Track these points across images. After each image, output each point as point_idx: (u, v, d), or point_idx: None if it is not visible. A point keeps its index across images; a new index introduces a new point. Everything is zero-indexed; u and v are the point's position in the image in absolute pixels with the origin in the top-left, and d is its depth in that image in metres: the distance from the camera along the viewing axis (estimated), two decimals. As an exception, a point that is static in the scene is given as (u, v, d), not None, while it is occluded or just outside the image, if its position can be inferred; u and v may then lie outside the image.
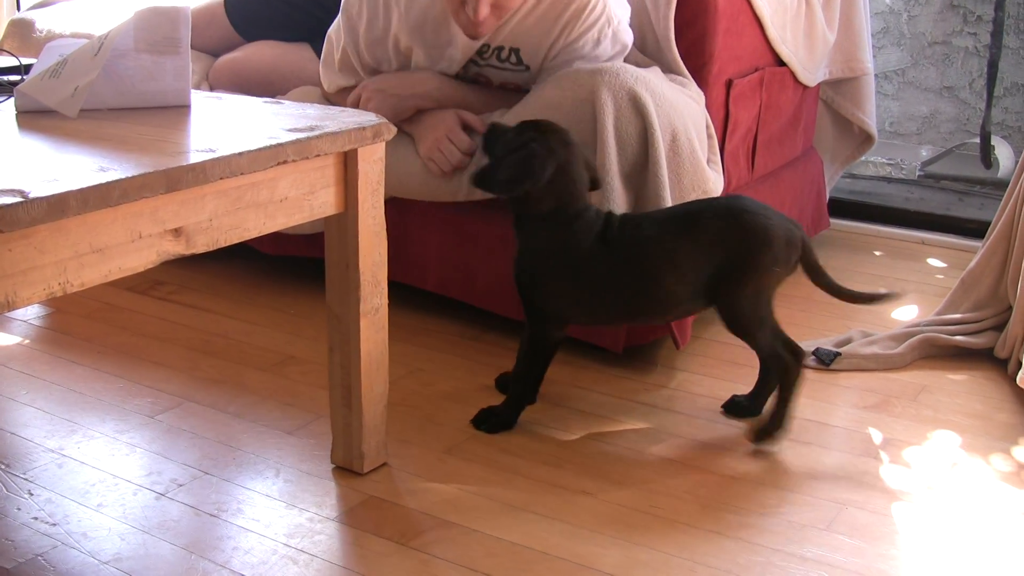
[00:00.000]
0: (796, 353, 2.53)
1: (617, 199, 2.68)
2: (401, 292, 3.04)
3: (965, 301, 3.10)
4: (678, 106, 2.78)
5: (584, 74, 2.74)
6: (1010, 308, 2.94)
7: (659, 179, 2.69)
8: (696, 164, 2.80)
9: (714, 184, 2.87)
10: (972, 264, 3.12)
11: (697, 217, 2.46)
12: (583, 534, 2.15)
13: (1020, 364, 2.62)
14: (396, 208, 2.97)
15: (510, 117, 2.79)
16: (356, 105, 2.93)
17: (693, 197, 2.79)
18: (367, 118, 2.17)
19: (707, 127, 2.92)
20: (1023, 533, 2.22)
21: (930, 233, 4.09)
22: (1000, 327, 2.98)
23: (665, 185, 2.70)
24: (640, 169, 2.71)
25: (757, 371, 2.65)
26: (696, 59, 2.95)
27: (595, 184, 2.58)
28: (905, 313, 3.30)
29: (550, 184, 2.44)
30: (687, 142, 2.78)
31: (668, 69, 2.94)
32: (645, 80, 2.73)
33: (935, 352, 3.01)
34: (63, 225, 1.66)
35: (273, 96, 3.16)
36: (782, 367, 2.50)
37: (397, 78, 2.94)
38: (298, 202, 2.08)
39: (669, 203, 2.70)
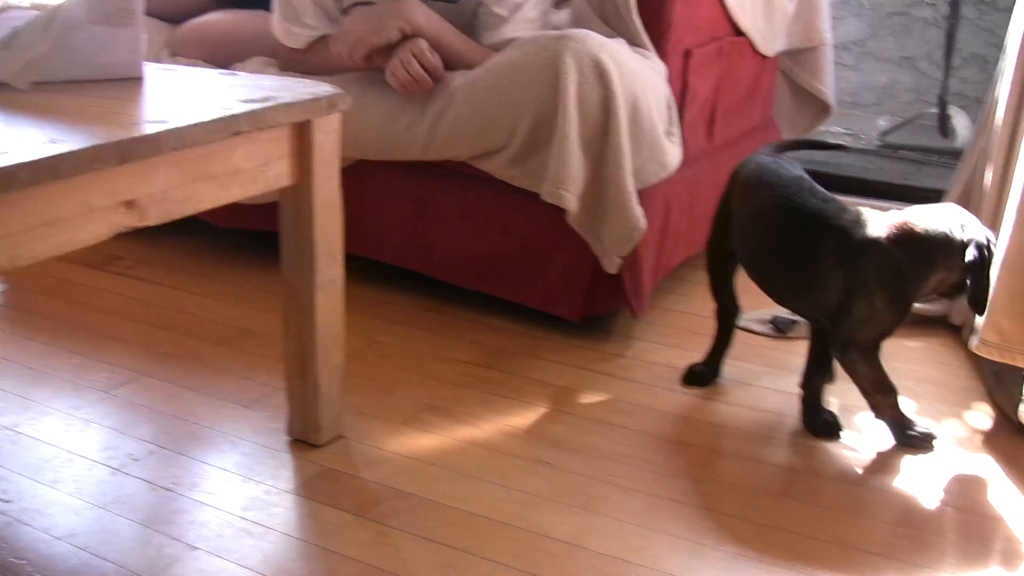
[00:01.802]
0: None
1: (574, 165, 2.68)
2: (358, 264, 3.02)
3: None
4: (640, 77, 2.78)
5: (549, 39, 2.73)
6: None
7: (619, 148, 2.69)
8: (655, 136, 2.80)
9: (671, 157, 2.87)
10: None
11: None
12: (540, 503, 2.16)
13: (973, 330, 2.63)
14: (353, 179, 2.93)
15: (471, 79, 2.80)
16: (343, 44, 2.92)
17: (650, 169, 2.80)
18: (322, 89, 2.16)
19: (668, 100, 2.92)
20: (976, 496, 2.24)
21: (889, 202, 4.08)
22: (954, 294, 2.99)
23: (626, 154, 2.70)
24: (600, 137, 2.71)
25: (711, 339, 2.67)
26: (654, 28, 2.93)
27: None
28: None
29: None
30: (647, 113, 2.78)
31: (631, 40, 2.93)
32: (610, 49, 2.73)
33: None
34: (13, 199, 1.65)
35: (232, 63, 3.15)
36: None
37: (383, 4, 2.91)
38: (252, 174, 2.07)
39: (629, 172, 2.71)
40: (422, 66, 2.82)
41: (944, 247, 2.28)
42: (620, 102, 2.69)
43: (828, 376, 2.55)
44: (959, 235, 2.28)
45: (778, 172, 2.48)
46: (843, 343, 2.34)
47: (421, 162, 2.93)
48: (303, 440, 2.37)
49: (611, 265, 2.78)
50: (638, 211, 2.74)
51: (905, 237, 2.29)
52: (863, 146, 4.59)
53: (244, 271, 3.32)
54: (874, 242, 2.29)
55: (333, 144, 2.19)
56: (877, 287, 2.27)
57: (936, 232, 2.28)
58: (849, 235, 2.32)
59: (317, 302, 2.25)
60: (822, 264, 2.33)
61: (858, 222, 2.34)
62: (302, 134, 2.14)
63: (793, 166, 2.52)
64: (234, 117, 1.95)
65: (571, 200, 2.70)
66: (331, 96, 2.13)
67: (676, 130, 2.94)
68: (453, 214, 2.96)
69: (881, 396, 2.40)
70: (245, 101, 2.03)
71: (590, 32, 2.76)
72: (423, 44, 2.83)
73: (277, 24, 3.07)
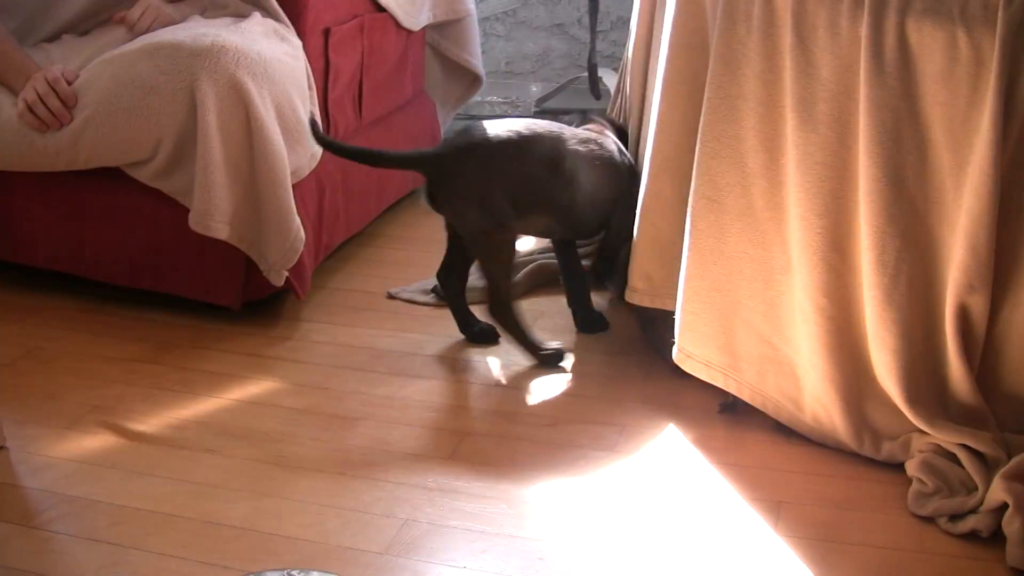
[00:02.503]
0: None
1: (220, 193, 2.67)
2: (10, 272, 2.94)
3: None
4: (278, 75, 2.77)
5: (183, 56, 2.67)
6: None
7: (271, 164, 2.70)
8: (302, 130, 2.81)
9: (315, 147, 2.87)
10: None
11: None
12: (209, 491, 2.14)
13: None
14: (-2, 185, 2.87)
15: (108, 96, 2.73)
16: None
17: (305, 164, 2.83)
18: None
19: (308, 81, 2.91)
20: (632, 436, 2.33)
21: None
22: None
23: (279, 168, 2.72)
24: (247, 157, 2.70)
25: (378, 315, 2.71)
26: (290, 9, 2.93)
27: None
28: (522, 244, 3.38)
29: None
30: (292, 111, 2.78)
31: (267, 14, 2.91)
32: (248, 60, 2.69)
33: (548, 279, 3.10)
34: None
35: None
36: None
37: None
38: None
39: (286, 186, 2.73)
40: (57, 94, 2.76)
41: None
42: (264, 117, 2.68)
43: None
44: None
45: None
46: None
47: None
48: (-38, 456, 2.29)
49: (278, 278, 2.78)
50: (297, 223, 2.75)
51: None
52: (520, 113, 4.68)
53: None
54: None
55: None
56: None
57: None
58: None
59: (-40, 312, 2.17)
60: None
61: None
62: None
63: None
64: None
65: (221, 229, 2.70)
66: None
67: (316, 110, 2.94)
68: (103, 211, 2.89)
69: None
70: None
71: (225, 42, 2.70)
72: (55, 71, 2.77)
73: None
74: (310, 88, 2.90)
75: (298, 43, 2.90)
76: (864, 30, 2.07)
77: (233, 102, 2.66)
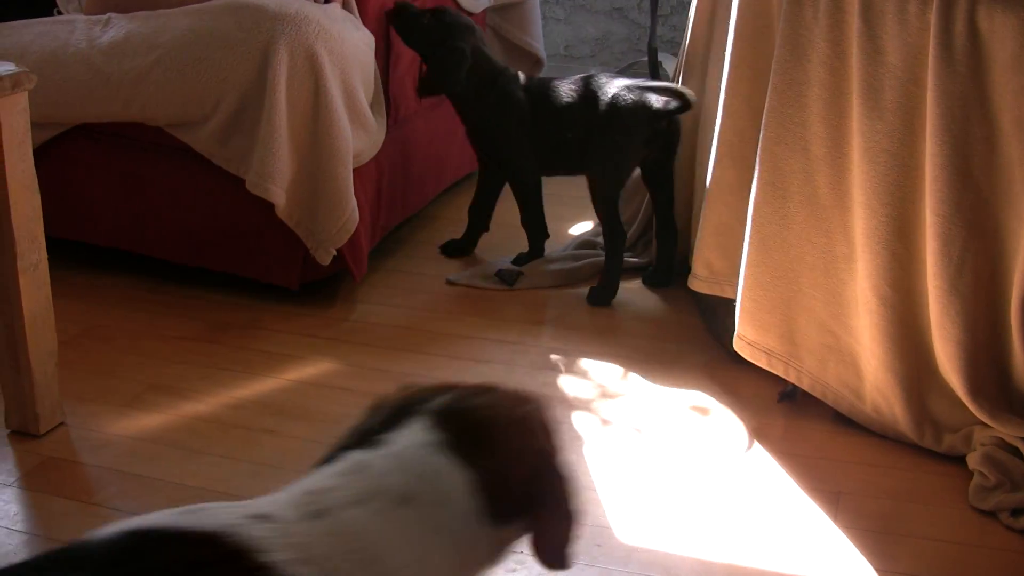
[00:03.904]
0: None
1: (281, 157, 2.67)
2: (70, 249, 2.96)
3: (627, 209, 3.19)
4: (351, 58, 2.78)
5: (266, 17, 2.69)
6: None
7: (335, 140, 2.71)
8: (367, 116, 2.82)
9: (379, 131, 2.88)
10: (634, 173, 3.21)
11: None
12: (266, 471, 2.15)
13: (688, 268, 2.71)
14: (57, 160, 2.88)
15: (182, 43, 2.75)
16: None
17: (367, 151, 2.84)
18: (5, 68, 2.08)
19: (374, 72, 2.91)
20: (693, 425, 2.32)
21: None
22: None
23: (342, 147, 2.72)
24: (310, 130, 2.71)
25: (436, 297, 2.69)
26: (353, -11, 2.94)
27: None
28: (582, 228, 3.37)
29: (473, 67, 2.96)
30: (359, 96, 2.79)
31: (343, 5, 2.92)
32: (327, 35, 2.71)
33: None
34: None
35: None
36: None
37: None
38: (-61, 160, 2.00)
39: (347, 163, 2.73)
40: None
41: None
42: (333, 93, 2.68)
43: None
44: None
45: None
46: None
47: (127, 137, 2.87)
48: (22, 431, 2.30)
49: (325, 257, 2.77)
50: (353, 203, 2.75)
51: None
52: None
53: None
54: None
55: (23, 124, 2.11)
56: None
57: None
58: None
59: (22, 288, 2.18)
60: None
61: None
62: (-12, 116, 2.07)
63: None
64: (-88, 102, 1.88)
65: (279, 194, 2.70)
66: (14, 75, 2.06)
67: (382, 103, 2.94)
68: (163, 189, 2.90)
69: None
70: (-76, 85, 1.96)
71: (310, 12, 2.72)
72: None
73: None
74: (376, 79, 2.90)
75: (370, 35, 2.90)
76: (933, 16, 2.04)
77: (306, 72, 2.66)
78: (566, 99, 2.93)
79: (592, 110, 2.88)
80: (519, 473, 1.23)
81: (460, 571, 1.22)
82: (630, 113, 2.84)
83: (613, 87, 2.88)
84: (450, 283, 2.99)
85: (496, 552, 1.26)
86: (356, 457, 1.21)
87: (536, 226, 3.12)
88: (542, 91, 2.98)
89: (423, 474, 1.19)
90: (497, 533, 1.23)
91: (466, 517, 1.19)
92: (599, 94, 2.88)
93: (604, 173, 2.89)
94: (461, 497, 1.19)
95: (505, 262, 3.06)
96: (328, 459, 1.25)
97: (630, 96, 2.85)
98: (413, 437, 1.21)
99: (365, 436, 1.25)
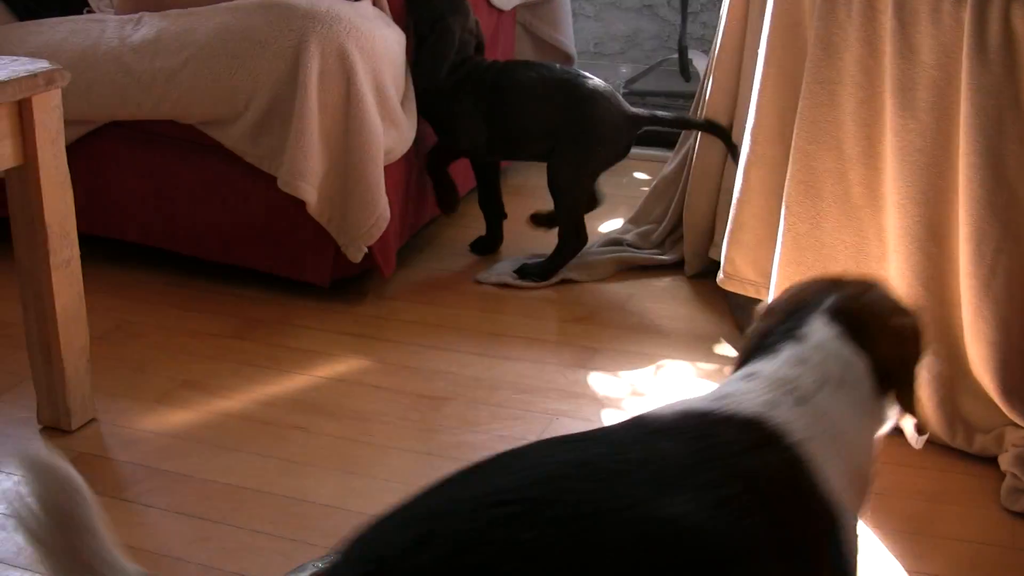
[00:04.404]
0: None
1: (313, 155, 2.68)
2: (102, 245, 2.96)
3: (657, 207, 3.19)
4: (383, 56, 2.78)
5: (297, 16, 2.69)
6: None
7: (366, 138, 2.70)
8: (398, 113, 2.82)
9: (410, 128, 2.88)
10: (665, 171, 3.21)
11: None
12: (297, 468, 2.15)
13: (710, 264, 2.71)
14: (87, 157, 2.89)
15: (214, 39, 2.75)
16: None
17: (398, 148, 2.85)
18: (39, 65, 2.09)
19: (404, 69, 2.92)
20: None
21: (635, 148, 4.13)
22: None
23: (374, 144, 2.72)
24: (342, 128, 2.71)
25: (465, 295, 2.70)
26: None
27: (480, 47, 3.10)
28: (611, 226, 3.36)
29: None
30: (389, 93, 2.79)
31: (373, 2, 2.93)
32: (358, 33, 2.71)
33: (634, 266, 3.09)
34: None
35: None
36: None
37: None
38: (-28, 157, 2.01)
39: (378, 161, 2.73)
40: None
41: None
42: (365, 91, 2.68)
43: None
44: None
45: None
46: None
47: (158, 134, 2.88)
48: (55, 427, 2.31)
49: (356, 254, 2.77)
50: (384, 201, 2.75)
51: None
52: (609, 95, 4.66)
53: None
54: None
55: (56, 121, 2.13)
56: None
57: None
58: None
59: (54, 285, 2.19)
60: None
61: None
62: (22, 113, 2.08)
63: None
64: (-54, 99, 1.89)
65: (310, 192, 2.70)
66: (48, 72, 2.07)
67: (412, 98, 2.94)
68: (195, 186, 2.91)
69: None
70: (-43, 82, 1.97)
71: (341, 9, 2.73)
72: None
73: None
74: (406, 77, 2.90)
75: (401, 33, 2.90)
76: (967, 15, 2.03)
77: (337, 70, 2.66)
78: (534, 90, 2.98)
79: (565, 111, 2.94)
80: (898, 358, 1.46)
81: (870, 439, 1.44)
82: (610, 122, 2.95)
83: (590, 89, 2.98)
84: (478, 283, 2.98)
85: (881, 423, 1.47)
86: (792, 352, 1.41)
87: (490, 208, 3.19)
88: (508, 75, 3.02)
89: (843, 361, 1.41)
90: (883, 408, 1.46)
91: (869, 394, 1.43)
92: (574, 95, 2.96)
93: (571, 181, 2.97)
94: (864, 378, 1.42)
95: (529, 258, 3.06)
96: (747, 358, 1.46)
97: (610, 104, 2.96)
98: (823, 332, 1.43)
99: (767, 336, 1.47)
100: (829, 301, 1.48)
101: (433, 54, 2.93)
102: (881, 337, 1.45)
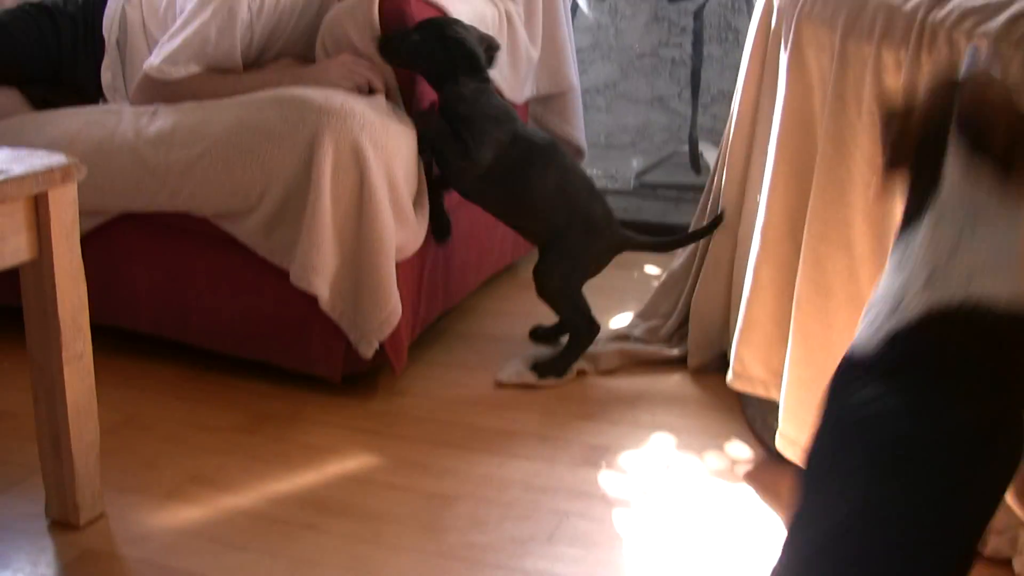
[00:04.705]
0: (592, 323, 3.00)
1: (325, 250, 2.69)
2: (113, 335, 2.96)
3: (665, 302, 3.19)
4: (396, 151, 2.79)
5: (311, 110, 2.71)
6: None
7: (378, 233, 2.71)
8: (409, 210, 2.84)
9: (419, 229, 2.90)
10: (674, 266, 3.21)
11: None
12: (306, 568, 2.14)
13: (718, 359, 2.71)
14: (101, 247, 2.89)
15: (229, 133, 2.77)
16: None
17: (410, 246, 2.85)
18: (56, 159, 2.10)
19: (418, 164, 2.92)
20: (735, 525, 2.30)
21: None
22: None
23: (386, 238, 2.72)
24: (354, 222, 2.72)
25: (476, 390, 2.70)
26: (404, 90, 2.95)
27: (491, 57, 2.99)
28: (621, 320, 3.35)
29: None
30: (402, 189, 2.81)
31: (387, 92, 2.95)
32: (372, 127, 2.72)
33: (641, 361, 3.09)
34: None
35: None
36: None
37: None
38: (-13, 251, 2.01)
39: (389, 255, 2.73)
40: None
41: None
42: (377, 187, 2.69)
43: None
44: None
45: None
46: None
47: (171, 225, 2.89)
48: (63, 522, 2.29)
49: (368, 350, 2.78)
50: (396, 297, 2.76)
51: None
52: (619, 187, 4.67)
53: (-6, 348, 3.21)
54: None
55: (71, 215, 2.14)
56: None
57: None
58: None
59: (66, 379, 2.19)
60: None
61: None
62: (38, 207, 2.09)
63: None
64: (-38, 195, 1.90)
65: (322, 287, 2.71)
66: (64, 167, 2.09)
67: (425, 192, 2.95)
68: (207, 278, 2.92)
69: None
70: (-26, 177, 1.98)
71: (355, 104, 2.75)
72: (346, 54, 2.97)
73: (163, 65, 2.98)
74: (419, 171, 2.91)
75: (413, 128, 2.92)
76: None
77: (350, 165, 2.67)
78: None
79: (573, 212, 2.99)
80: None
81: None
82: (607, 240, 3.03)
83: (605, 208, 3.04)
84: (500, 385, 2.97)
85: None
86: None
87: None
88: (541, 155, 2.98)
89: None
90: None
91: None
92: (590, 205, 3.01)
93: (563, 277, 2.98)
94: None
95: (539, 353, 3.06)
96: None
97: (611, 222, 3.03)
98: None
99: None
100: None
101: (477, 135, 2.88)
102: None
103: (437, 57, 2.84)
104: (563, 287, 2.96)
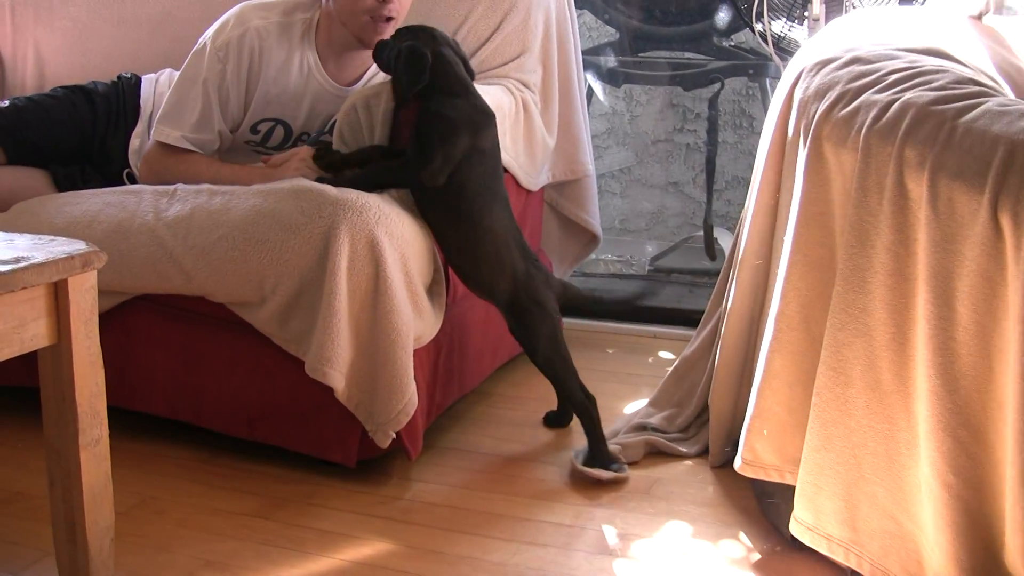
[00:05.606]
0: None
1: (341, 343, 2.70)
2: (128, 418, 2.96)
3: (678, 390, 3.17)
4: (411, 243, 2.82)
5: (327, 203, 2.73)
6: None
7: (393, 325, 2.72)
8: (425, 300, 2.86)
9: (435, 319, 2.92)
10: (687, 352, 3.20)
11: None
12: (320, 657, 2.12)
13: (736, 451, 2.69)
14: (117, 330, 2.90)
15: (246, 224, 2.81)
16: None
17: (427, 333, 2.87)
18: (76, 247, 2.12)
19: (435, 256, 2.94)
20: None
21: (661, 327, 4.14)
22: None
23: (401, 330, 2.74)
24: (369, 314, 2.73)
25: (491, 476, 2.69)
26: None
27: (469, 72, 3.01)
28: (635, 406, 3.34)
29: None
30: (418, 279, 2.83)
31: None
32: (387, 219, 2.74)
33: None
34: None
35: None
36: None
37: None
38: (7, 336, 2.02)
39: (406, 348, 2.74)
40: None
41: None
42: (393, 279, 2.71)
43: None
44: None
45: None
46: None
47: (188, 308, 2.91)
48: (76, 606, 2.28)
49: (384, 440, 2.77)
50: (413, 388, 2.76)
51: None
52: (634, 272, 4.68)
53: (11, 429, 3.19)
54: None
55: (91, 301, 2.14)
56: None
57: None
58: None
59: (83, 464, 2.18)
60: None
61: None
62: (58, 293, 2.10)
63: None
64: (-16, 280, 1.90)
65: (338, 379, 2.71)
66: (84, 254, 2.09)
67: (441, 281, 2.97)
68: (222, 362, 2.92)
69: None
70: (-5, 262, 1.99)
71: (369, 199, 2.77)
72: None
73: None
74: (435, 259, 2.92)
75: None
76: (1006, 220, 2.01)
77: (366, 257, 2.69)
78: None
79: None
80: None
81: None
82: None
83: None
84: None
85: None
86: None
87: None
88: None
89: None
90: None
91: None
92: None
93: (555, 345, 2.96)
94: None
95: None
96: None
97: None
98: None
99: None
100: None
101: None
102: None
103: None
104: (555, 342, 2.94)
